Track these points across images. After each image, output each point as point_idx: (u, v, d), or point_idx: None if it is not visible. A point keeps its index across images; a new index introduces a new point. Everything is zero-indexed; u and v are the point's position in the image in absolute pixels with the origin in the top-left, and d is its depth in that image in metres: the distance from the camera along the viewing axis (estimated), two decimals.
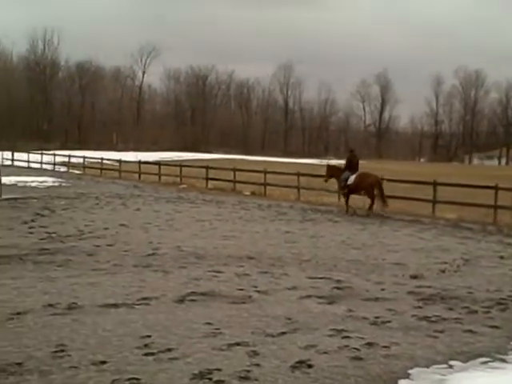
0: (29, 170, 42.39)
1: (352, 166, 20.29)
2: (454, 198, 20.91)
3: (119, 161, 39.38)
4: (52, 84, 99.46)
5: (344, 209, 20.23)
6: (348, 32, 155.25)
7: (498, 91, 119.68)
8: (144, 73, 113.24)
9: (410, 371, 5.45)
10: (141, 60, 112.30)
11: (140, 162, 37.80)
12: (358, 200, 20.57)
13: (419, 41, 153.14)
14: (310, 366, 5.49)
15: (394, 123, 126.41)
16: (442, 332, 6.66)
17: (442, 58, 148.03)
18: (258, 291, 8.32)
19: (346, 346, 6.07)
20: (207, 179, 30.82)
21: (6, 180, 25.87)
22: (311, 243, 13.06)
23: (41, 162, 47.46)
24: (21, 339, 6.02)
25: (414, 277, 9.70)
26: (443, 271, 10.30)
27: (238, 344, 6.01)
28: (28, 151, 51.39)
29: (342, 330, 6.58)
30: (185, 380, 5.11)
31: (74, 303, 7.39)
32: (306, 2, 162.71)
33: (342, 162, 22.77)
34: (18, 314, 6.91)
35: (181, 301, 7.68)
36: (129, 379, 5.08)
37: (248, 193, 27.30)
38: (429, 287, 8.91)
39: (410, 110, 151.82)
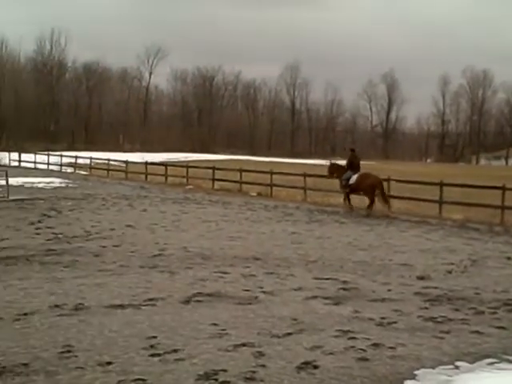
0: (36, 171, 42.48)
1: (354, 165, 20.40)
2: (460, 198, 20.87)
3: (126, 162, 39.45)
4: (59, 85, 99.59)
5: (347, 209, 20.26)
6: (351, 32, 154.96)
7: (506, 91, 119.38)
8: (151, 74, 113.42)
9: (416, 372, 5.44)
10: (148, 61, 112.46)
11: (146, 163, 37.86)
12: (361, 200, 20.56)
13: (422, 41, 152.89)
14: (315, 367, 5.48)
15: (401, 124, 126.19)
16: (448, 333, 6.64)
17: (445, 58, 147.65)
18: (264, 292, 8.32)
19: (352, 346, 6.06)
20: (213, 180, 30.83)
21: (13, 181, 25.95)
22: (318, 244, 13.05)
23: (47, 163, 47.54)
24: (27, 340, 6.04)
25: (421, 278, 9.68)
26: (450, 272, 10.28)
27: (243, 345, 6.01)
28: (35, 152, 51.49)
29: (348, 331, 6.57)
30: (190, 381, 5.11)
31: (80, 304, 7.41)
32: (309, 2, 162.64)
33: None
34: (25, 314, 6.94)
35: (187, 302, 7.68)
36: (135, 380, 5.09)
37: (254, 193, 27.29)
38: (435, 288, 8.88)
39: (416, 111, 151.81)
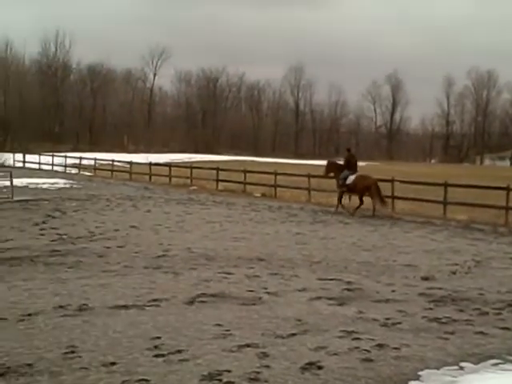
0: (40, 172, 42.58)
1: (351, 165, 20.51)
2: (465, 199, 20.82)
3: (130, 163, 39.52)
4: (64, 87, 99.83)
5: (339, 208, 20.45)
6: (355, 33, 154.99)
7: (510, 92, 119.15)
8: (155, 75, 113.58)
9: (420, 373, 5.43)
10: (152, 62, 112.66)
11: (150, 164, 37.91)
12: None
13: (426, 41, 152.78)
14: (319, 368, 5.48)
15: (405, 124, 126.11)
16: (452, 334, 6.63)
17: (449, 59, 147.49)
18: (268, 293, 8.32)
19: (357, 347, 6.06)
20: (217, 181, 30.83)
21: (17, 182, 26.02)
22: (322, 245, 13.04)
23: (52, 164, 47.63)
24: (32, 340, 6.05)
25: (425, 278, 9.66)
26: (454, 273, 10.26)
27: (247, 345, 6.01)
28: (39, 153, 51.61)
29: (353, 332, 6.56)
30: (194, 381, 5.11)
31: (84, 305, 7.42)
32: (313, 3, 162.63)
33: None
34: (29, 315, 6.95)
35: (191, 302, 7.69)
36: (139, 380, 5.09)
37: (258, 194, 27.29)
38: (440, 289, 8.87)
39: (420, 112, 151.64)
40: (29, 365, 5.38)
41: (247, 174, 29.41)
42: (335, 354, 5.83)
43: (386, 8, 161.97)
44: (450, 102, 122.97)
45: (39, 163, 49.37)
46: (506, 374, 5.44)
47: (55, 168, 46.82)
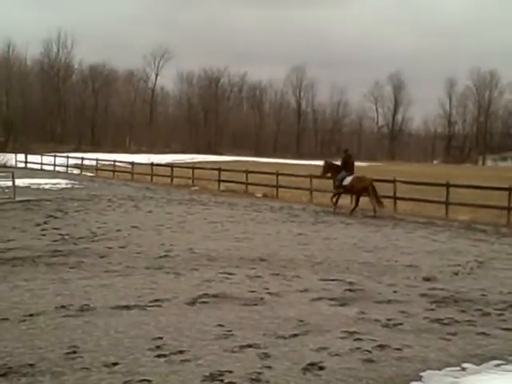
0: (42, 173, 42.62)
1: (348, 166, 20.56)
2: (467, 199, 20.81)
3: (132, 163, 39.56)
4: (66, 87, 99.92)
5: (336, 208, 20.64)
6: (357, 34, 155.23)
7: None
8: (157, 75, 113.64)
9: (422, 374, 5.42)
10: (154, 62, 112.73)
11: (152, 164, 37.93)
12: (364, 201, 20.59)
13: (428, 42, 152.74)
14: (321, 369, 5.47)
15: (407, 125, 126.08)
16: (454, 334, 6.62)
17: (451, 59, 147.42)
18: (270, 293, 8.31)
19: (358, 348, 6.05)
20: (219, 181, 30.84)
21: (19, 182, 26.04)
22: (324, 245, 13.03)
23: (54, 165, 47.68)
24: (33, 341, 6.05)
25: (427, 279, 9.65)
26: (456, 273, 10.24)
27: (249, 346, 6.01)
28: (41, 153, 51.66)
29: (354, 332, 6.55)
30: (196, 382, 5.11)
31: (86, 305, 7.42)
32: (315, 3, 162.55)
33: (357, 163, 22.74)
34: (31, 315, 6.95)
35: (192, 303, 7.68)
36: (140, 381, 5.09)
37: (260, 195, 27.30)
38: (442, 289, 8.86)
39: (422, 112, 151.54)
40: (30, 365, 5.39)
41: (249, 175, 29.42)
42: (337, 355, 5.83)
43: (388, 8, 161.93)
44: (452, 102, 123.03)
45: (41, 164, 49.42)
46: (508, 375, 5.43)
47: (57, 168, 46.87)
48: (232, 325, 6.72)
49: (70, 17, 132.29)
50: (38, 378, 5.13)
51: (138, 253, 11.36)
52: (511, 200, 18.44)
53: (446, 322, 7.13)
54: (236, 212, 19.60)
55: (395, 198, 21.59)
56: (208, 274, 9.47)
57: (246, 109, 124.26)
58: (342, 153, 22.71)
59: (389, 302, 8.05)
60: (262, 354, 5.78)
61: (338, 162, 21.54)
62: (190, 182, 33.14)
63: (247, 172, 29.50)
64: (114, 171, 40.87)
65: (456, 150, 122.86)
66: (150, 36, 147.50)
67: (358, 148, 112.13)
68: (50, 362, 5.48)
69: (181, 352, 5.79)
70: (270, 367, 5.46)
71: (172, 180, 34.66)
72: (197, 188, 31.04)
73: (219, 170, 31.36)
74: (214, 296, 8.04)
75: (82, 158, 46.61)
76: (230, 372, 5.30)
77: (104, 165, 45.00)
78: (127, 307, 7.36)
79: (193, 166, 35.21)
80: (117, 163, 41.87)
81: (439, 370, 5.54)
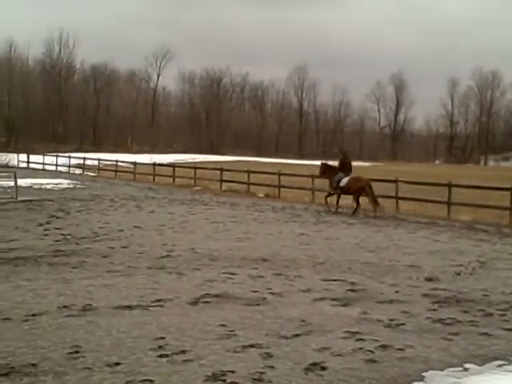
0: (44, 173, 42.65)
1: (345, 167, 20.57)
2: (469, 199, 20.80)
3: (134, 163, 39.60)
4: (67, 87, 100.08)
5: (328, 207, 20.70)
6: (358, 34, 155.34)
7: None
8: (159, 75, 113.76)
9: (424, 374, 5.42)
10: (155, 63, 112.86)
11: (154, 164, 37.96)
12: (365, 201, 20.59)
13: (430, 42, 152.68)
14: (323, 369, 5.47)
15: (409, 125, 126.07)
16: (456, 335, 6.62)
17: (453, 59, 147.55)
18: (272, 293, 8.31)
19: (360, 348, 6.05)
20: (221, 181, 30.86)
21: (21, 182, 26.07)
22: (326, 245, 13.03)
23: (56, 165, 47.72)
24: (36, 340, 6.05)
25: (429, 279, 9.64)
26: (458, 274, 10.23)
27: (251, 346, 6.01)
28: (43, 153, 51.71)
29: (356, 333, 6.55)
30: (198, 382, 5.11)
31: (88, 305, 7.42)
32: (316, 3, 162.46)
33: (356, 163, 22.76)
34: (33, 315, 6.95)
35: (195, 303, 7.68)
36: (142, 381, 5.09)
37: (262, 195, 27.30)
38: (444, 290, 8.85)
39: (424, 112, 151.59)
40: (33, 365, 5.39)
41: (251, 175, 29.43)
42: (339, 355, 5.83)
43: (388, 8, 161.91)
44: (454, 102, 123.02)
45: (43, 163, 49.47)
46: (510, 376, 5.42)
47: (59, 168, 46.92)
48: (234, 325, 6.72)
49: (70, 17, 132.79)
50: (41, 377, 5.14)
51: (140, 253, 11.37)
52: None
53: (448, 322, 7.12)
54: (238, 212, 19.60)
55: (397, 198, 21.59)
56: (210, 274, 9.47)
57: (248, 109, 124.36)
58: (339, 153, 22.78)
59: (391, 302, 8.05)
60: (265, 354, 5.78)
61: (336, 163, 21.58)
62: (192, 182, 33.17)
63: (249, 172, 29.51)
64: (116, 171, 40.93)
65: (458, 150, 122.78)
66: (150, 36, 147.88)
67: (360, 148, 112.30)
68: (52, 361, 5.49)
69: (183, 352, 5.79)
70: (272, 367, 5.46)
71: (174, 180, 34.68)
72: (199, 188, 31.06)
73: (221, 170, 31.37)
74: (216, 296, 8.04)
75: (84, 158, 46.65)
76: (233, 372, 5.30)
77: (106, 165, 45.07)
78: (129, 307, 7.37)
79: (195, 166, 35.23)
80: (119, 163, 41.93)
81: (441, 370, 5.53)
